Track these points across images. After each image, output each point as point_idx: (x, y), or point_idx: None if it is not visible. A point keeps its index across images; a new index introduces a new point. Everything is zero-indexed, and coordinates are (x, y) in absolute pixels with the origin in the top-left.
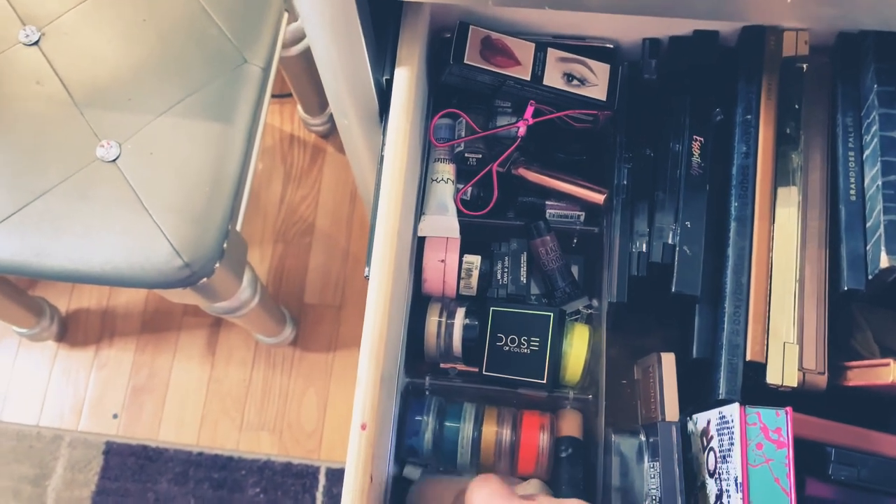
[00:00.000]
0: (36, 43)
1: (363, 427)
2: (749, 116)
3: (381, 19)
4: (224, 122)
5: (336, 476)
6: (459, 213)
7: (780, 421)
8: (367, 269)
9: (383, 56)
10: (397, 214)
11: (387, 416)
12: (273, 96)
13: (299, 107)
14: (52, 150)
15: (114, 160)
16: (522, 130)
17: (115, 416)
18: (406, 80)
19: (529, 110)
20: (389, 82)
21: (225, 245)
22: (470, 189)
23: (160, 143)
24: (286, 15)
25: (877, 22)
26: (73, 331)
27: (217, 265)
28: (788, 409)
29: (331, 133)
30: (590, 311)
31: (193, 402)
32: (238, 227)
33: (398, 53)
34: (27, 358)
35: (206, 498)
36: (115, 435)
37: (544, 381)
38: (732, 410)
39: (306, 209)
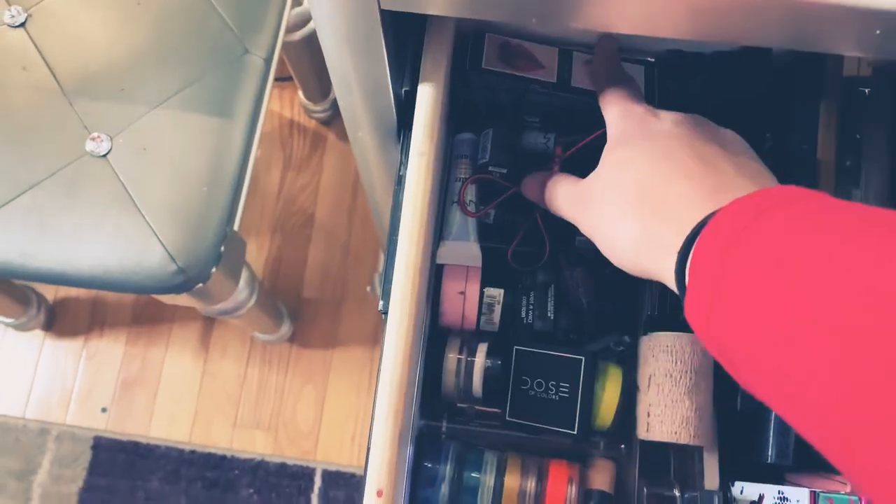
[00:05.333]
0: (22, 25)
1: (379, 494)
2: (805, 147)
3: (403, 28)
4: (223, 116)
5: (332, 478)
6: (482, 239)
7: None
8: (381, 302)
9: (403, 66)
10: (420, 252)
11: (401, 470)
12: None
13: (300, 92)
14: (39, 143)
15: (104, 155)
16: (556, 171)
17: (104, 410)
18: (431, 98)
19: (558, 151)
20: (409, 94)
21: (222, 248)
22: (493, 212)
23: (154, 138)
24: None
25: None
26: (61, 320)
27: (213, 270)
28: (864, 498)
29: (333, 120)
30: (620, 348)
31: (186, 397)
32: (236, 227)
33: (422, 69)
34: (13, 347)
35: (198, 498)
36: (104, 430)
37: (575, 432)
38: (800, 495)
39: (306, 199)
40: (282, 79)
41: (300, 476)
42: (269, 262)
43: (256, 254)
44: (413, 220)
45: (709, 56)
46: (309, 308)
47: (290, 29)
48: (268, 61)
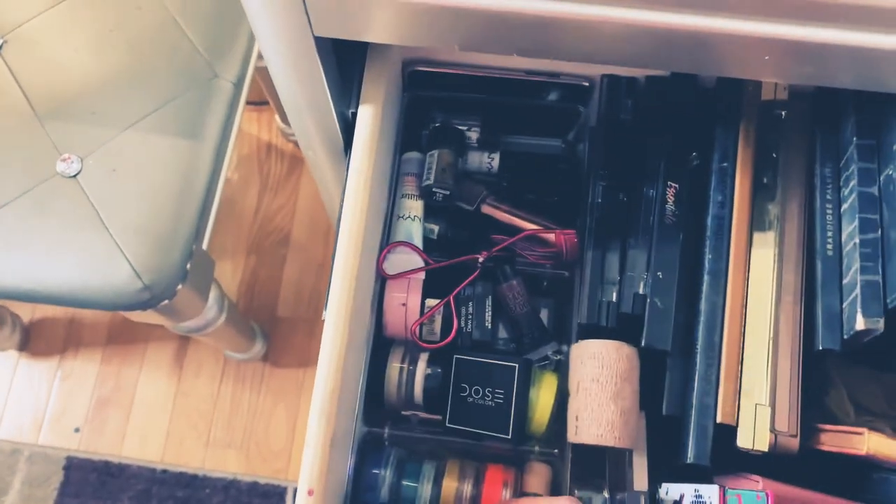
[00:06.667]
0: None
1: (310, 493)
2: (725, 164)
3: (347, 53)
4: (192, 138)
5: None
6: (425, 251)
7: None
8: (324, 311)
9: (349, 90)
10: (356, 262)
11: (340, 474)
12: (250, 103)
13: (277, 116)
14: (10, 163)
15: (75, 175)
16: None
17: (76, 430)
18: (370, 119)
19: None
20: (356, 115)
21: (188, 266)
22: (437, 228)
23: (124, 160)
24: None
25: (855, 82)
26: (35, 340)
27: (179, 287)
28: (770, 492)
29: None
30: (558, 357)
31: (159, 416)
32: (204, 246)
33: (362, 92)
34: None
35: None
36: (77, 450)
37: (509, 437)
38: (711, 492)
39: (282, 219)
40: (258, 103)
41: (272, 495)
42: (244, 282)
43: (232, 273)
44: (350, 234)
45: (641, 81)
46: (283, 327)
47: None
48: (238, 85)
